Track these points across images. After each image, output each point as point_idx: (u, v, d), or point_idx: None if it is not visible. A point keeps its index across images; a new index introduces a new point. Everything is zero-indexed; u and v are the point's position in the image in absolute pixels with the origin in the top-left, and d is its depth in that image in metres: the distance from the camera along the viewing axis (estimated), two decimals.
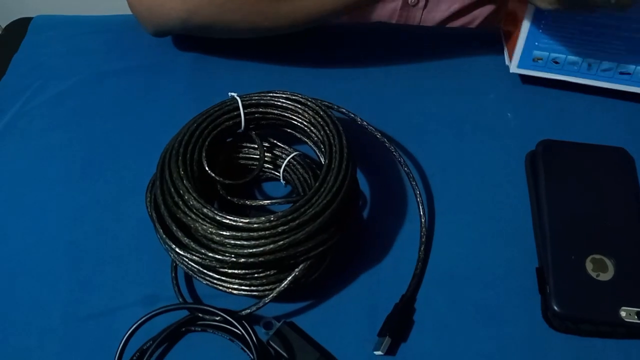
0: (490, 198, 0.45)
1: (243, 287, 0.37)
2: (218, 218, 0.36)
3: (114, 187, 0.45)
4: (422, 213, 0.43)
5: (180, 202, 0.37)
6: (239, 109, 0.42)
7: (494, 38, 0.54)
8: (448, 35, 0.55)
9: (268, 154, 0.44)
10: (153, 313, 0.36)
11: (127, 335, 0.36)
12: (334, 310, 0.40)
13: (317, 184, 0.37)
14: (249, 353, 0.36)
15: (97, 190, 0.45)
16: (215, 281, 0.37)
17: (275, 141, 0.44)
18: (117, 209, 0.44)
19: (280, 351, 0.37)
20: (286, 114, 0.43)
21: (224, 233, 0.35)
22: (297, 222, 0.35)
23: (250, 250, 0.35)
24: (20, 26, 0.57)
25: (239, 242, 0.35)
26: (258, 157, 0.44)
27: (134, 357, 0.37)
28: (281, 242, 0.35)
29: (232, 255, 0.35)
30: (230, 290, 0.37)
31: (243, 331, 0.36)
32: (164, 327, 0.38)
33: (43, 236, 0.43)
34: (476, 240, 0.43)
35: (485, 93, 0.50)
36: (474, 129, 0.48)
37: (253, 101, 0.43)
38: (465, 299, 0.40)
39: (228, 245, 0.35)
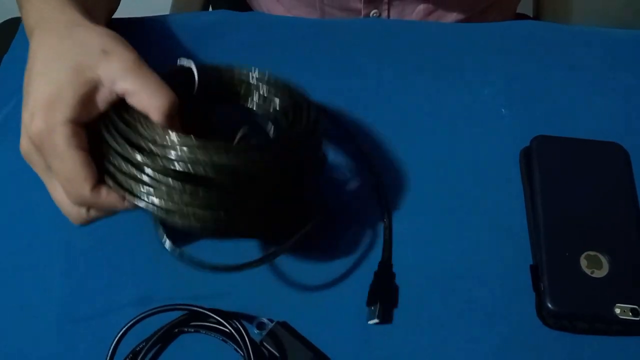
0: (484, 194, 0.44)
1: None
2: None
3: None
4: (385, 205, 0.42)
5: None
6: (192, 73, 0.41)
7: (485, 33, 0.54)
8: (440, 31, 0.55)
9: None
10: (145, 314, 0.36)
11: (118, 336, 0.36)
12: (327, 309, 0.40)
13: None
14: (242, 353, 0.36)
15: None
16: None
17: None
18: None
19: (274, 351, 0.37)
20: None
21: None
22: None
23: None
24: (11, 26, 0.56)
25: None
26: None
27: (127, 359, 0.37)
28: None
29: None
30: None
31: (235, 332, 0.36)
32: (157, 329, 0.38)
33: (36, 237, 0.43)
34: (470, 237, 0.43)
35: (479, 89, 0.50)
36: (468, 125, 0.48)
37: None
38: (459, 297, 0.40)
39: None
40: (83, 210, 0.36)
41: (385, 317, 0.39)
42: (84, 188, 0.34)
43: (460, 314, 0.40)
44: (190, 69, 0.41)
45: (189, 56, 0.42)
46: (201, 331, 0.38)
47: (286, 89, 0.41)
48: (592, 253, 0.40)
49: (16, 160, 0.47)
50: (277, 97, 0.41)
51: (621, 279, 0.39)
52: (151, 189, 0.34)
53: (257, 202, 0.36)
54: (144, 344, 0.37)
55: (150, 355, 0.38)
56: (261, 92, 0.42)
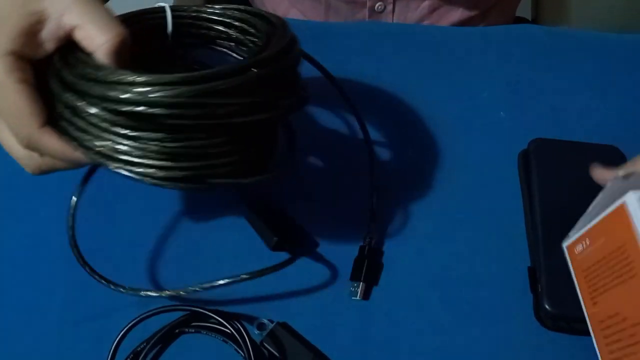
0: (483, 197, 0.45)
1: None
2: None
3: (108, 188, 0.45)
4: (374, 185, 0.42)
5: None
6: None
7: (484, 37, 0.54)
8: (440, 34, 0.55)
9: None
10: (145, 315, 0.37)
11: (119, 337, 0.36)
12: (327, 310, 0.40)
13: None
14: (243, 354, 0.36)
15: (91, 191, 0.45)
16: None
17: None
18: (112, 210, 0.45)
19: (274, 352, 0.37)
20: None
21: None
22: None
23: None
24: None
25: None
26: None
27: (128, 359, 0.37)
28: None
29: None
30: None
31: (236, 333, 0.37)
32: (157, 329, 0.38)
33: (38, 238, 0.43)
34: (468, 239, 0.43)
35: (478, 92, 0.50)
36: (467, 128, 0.48)
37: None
38: (456, 298, 0.41)
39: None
40: (36, 155, 0.34)
41: (366, 296, 0.40)
42: (31, 125, 0.31)
43: (458, 316, 0.40)
44: (163, 10, 0.38)
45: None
46: (202, 332, 0.39)
47: (262, 18, 0.37)
48: None
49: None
50: (252, 28, 0.37)
51: None
52: (100, 139, 0.30)
53: (226, 141, 0.31)
54: (144, 344, 0.38)
55: (151, 355, 0.38)
56: (235, 32, 0.38)
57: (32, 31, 0.32)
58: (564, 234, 0.41)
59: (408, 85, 0.51)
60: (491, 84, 0.51)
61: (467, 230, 0.43)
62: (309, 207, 0.44)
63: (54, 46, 0.33)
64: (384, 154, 0.47)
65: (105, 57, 0.31)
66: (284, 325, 0.39)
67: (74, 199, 0.40)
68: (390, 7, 0.62)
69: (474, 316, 0.40)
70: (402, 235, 0.43)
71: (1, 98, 0.31)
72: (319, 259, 0.42)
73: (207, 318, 0.38)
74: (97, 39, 0.31)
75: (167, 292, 0.38)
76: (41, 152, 0.33)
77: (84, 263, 0.40)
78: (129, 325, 0.36)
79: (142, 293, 0.39)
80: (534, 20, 0.80)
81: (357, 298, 0.40)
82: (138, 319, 0.37)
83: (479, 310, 0.40)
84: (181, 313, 0.38)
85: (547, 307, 0.38)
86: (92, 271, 0.39)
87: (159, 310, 0.37)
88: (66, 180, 0.46)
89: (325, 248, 0.43)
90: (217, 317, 0.37)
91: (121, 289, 0.39)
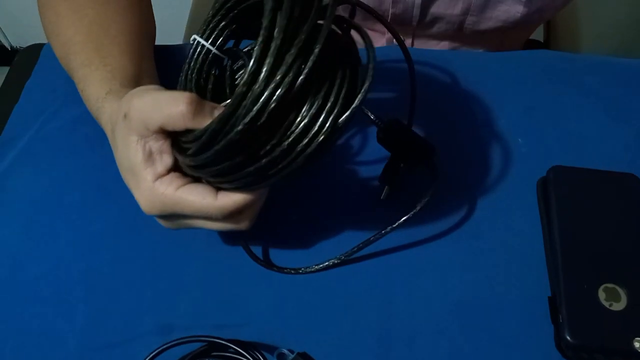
0: (502, 225, 0.45)
1: None
2: None
3: (129, 213, 0.46)
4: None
5: None
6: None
7: (500, 61, 0.54)
8: (457, 60, 0.55)
9: None
10: (165, 346, 0.37)
11: None
12: (346, 339, 0.40)
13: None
14: None
15: (112, 217, 0.46)
16: None
17: None
18: (132, 236, 0.45)
19: None
20: None
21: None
22: None
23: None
24: (33, 52, 0.57)
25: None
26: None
27: None
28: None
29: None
30: None
31: None
32: (177, 358, 0.38)
33: (58, 264, 0.44)
34: (488, 267, 0.43)
35: (496, 118, 0.50)
36: (485, 154, 0.48)
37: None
38: (477, 327, 0.40)
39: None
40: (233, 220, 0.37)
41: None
42: (208, 204, 0.35)
43: (478, 345, 0.40)
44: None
45: None
46: None
47: None
48: (610, 285, 0.40)
49: (38, 185, 0.48)
50: None
51: None
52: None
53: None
54: None
55: None
56: None
57: (152, 156, 0.36)
58: (584, 263, 0.41)
59: (424, 110, 0.51)
60: (509, 110, 0.51)
61: (486, 258, 0.43)
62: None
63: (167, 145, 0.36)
64: (399, 180, 0.47)
65: (187, 123, 0.34)
66: (304, 356, 0.39)
67: None
68: (409, 42, 0.63)
69: (495, 346, 0.40)
70: (422, 262, 0.43)
71: (179, 208, 0.35)
72: (338, 284, 0.42)
73: (226, 348, 0.38)
74: (176, 118, 0.34)
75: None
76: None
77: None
78: (150, 356, 0.36)
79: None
80: (546, 42, 0.80)
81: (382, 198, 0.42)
82: (157, 350, 0.37)
83: (499, 340, 0.40)
84: (200, 344, 0.38)
85: (567, 337, 0.38)
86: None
87: (178, 341, 0.37)
88: (84, 205, 0.47)
89: (342, 270, 0.43)
90: (236, 347, 0.37)
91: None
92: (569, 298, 0.39)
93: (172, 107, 0.33)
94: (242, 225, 0.37)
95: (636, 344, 0.37)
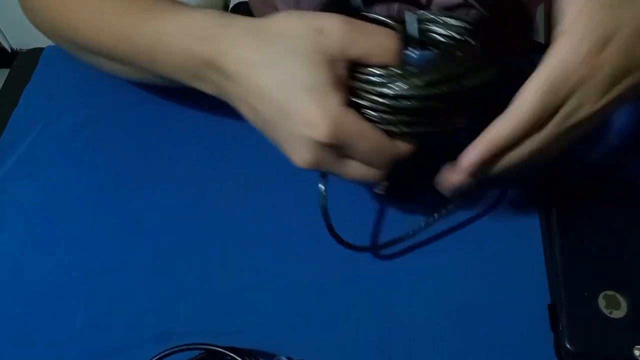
0: (502, 231, 0.44)
1: None
2: None
3: (128, 220, 0.46)
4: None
5: None
6: None
7: None
8: None
9: None
10: (161, 354, 0.37)
11: None
12: (346, 346, 0.40)
13: None
14: None
15: (111, 223, 0.46)
16: None
17: None
18: (131, 243, 0.45)
19: None
20: None
21: None
22: None
23: None
24: (32, 57, 0.57)
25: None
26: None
27: None
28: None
29: None
30: None
31: None
32: None
33: (57, 269, 0.44)
34: (488, 274, 0.43)
35: None
36: None
37: None
38: (477, 335, 0.40)
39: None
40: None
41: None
42: (388, 145, 0.35)
43: (478, 353, 0.39)
44: None
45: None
46: None
47: None
48: (610, 293, 0.40)
49: (37, 191, 0.48)
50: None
51: None
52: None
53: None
54: None
55: None
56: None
57: (337, 79, 0.33)
58: (584, 270, 0.40)
59: None
60: None
61: (486, 265, 0.43)
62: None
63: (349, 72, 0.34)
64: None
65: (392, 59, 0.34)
66: None
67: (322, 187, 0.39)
68: None
69: (495, 353, 0.39)
70: (422, 269, 0.43)
71: (362, 143, 0.34)
72: (338, 290, 0.42)
73: (223, 356, 0.38)
74: (383, 54, 0.34)
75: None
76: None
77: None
78: None
79: None
80: (547, 44, 0.79)
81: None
82: (156, 357, 0.37)
83: (499, 347, 0.40)
84: (198, 352, 0.38)
85: (568, 345, 0.38)
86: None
87: (175, 349, 0.37)
88: (83, 212, 0.47)
89: (342, 277, 0.42)
90: (233, 355, 0.37)
91: None
92: (569, 305, 0.39)
93: (385, 38, 0.33)
94: (381, 179, 0.37)
95: (636, 352, 0.37)
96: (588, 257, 0.41)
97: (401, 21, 0.41)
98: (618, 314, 0.39)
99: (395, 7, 0.49)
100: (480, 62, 0.35)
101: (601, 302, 0.39)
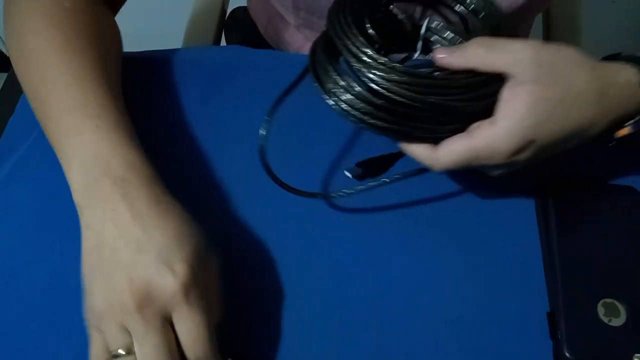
0: (501, 239, 0.44)
1: None
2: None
3: None
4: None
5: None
6: None
7: None
8: None
9: None
10: None
11: None
12: (340, 357, 0.40)
13: None
14: None
15: None
16: None
17: None
18: None
19: None
20: None
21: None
22: None
23: None
24: None
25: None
26: None
27: None
28: None
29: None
30: None
31: None
32: None
33: (55, 278, 0.43)
34: (486, 283, 0.43)
35: None
36: None
37: None
38: (475, 343, 0.40)
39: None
40: None
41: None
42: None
43: None
44: None
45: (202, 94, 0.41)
46: None
47: None
48: (609, 300, 0.40)
49: (34, 198, 0.48)
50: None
51: (639, 328, 0.39)
52: (345, 94, 0.37)
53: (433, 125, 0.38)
54: None
55: None
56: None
57: None
58: (583, 278, 0.40)
59: None
60: None
61: (485, 273, 0.43)
62: None
63: None
64: (398, 196, 0.47)
65: None
66: None
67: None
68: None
69: None
70: (419, 277, 0.43)
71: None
72: (328, 302, 0.42)
73: None
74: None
75: None
76: None
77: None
78: None
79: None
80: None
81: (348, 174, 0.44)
82: None
83: (497, 356, 0.40)
84: None
85: (567, 353, 0.38)
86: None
87: None
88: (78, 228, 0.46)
89: (332, 290, 0.42)
90: None
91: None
92: (567, 313, 0.39)
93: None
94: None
95: None
96: (587, 264, 0.41)
97: (417, 25, 0.45)
98: (617, 321, 0.39)
99: (419, 10, 0.51)
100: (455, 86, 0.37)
101: (600, 310, 0.39)
